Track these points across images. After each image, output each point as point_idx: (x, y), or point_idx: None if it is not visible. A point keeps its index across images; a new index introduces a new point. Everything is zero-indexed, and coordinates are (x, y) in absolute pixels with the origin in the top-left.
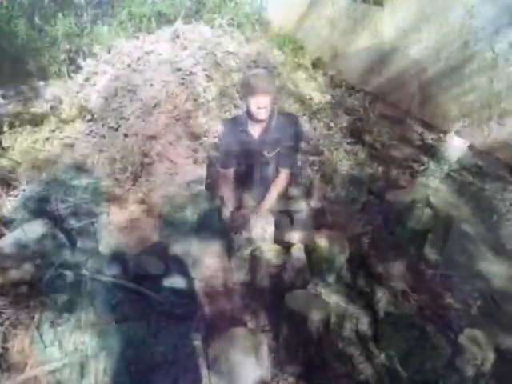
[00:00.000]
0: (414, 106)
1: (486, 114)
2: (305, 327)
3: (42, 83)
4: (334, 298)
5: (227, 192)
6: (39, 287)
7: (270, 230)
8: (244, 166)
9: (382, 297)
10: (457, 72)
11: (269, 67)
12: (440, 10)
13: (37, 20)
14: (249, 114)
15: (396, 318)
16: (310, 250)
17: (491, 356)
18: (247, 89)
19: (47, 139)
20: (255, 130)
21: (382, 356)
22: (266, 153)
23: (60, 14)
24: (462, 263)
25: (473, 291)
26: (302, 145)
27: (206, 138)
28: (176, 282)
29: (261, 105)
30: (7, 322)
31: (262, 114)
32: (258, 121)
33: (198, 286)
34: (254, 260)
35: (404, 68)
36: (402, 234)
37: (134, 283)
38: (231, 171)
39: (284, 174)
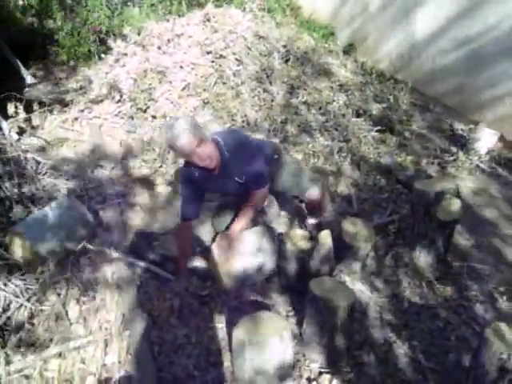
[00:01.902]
0: (445, 94)
1: None
2: (329, 314)
3: (72, 63)
4: (358, 286)
5: (184, 245)
6: (66, 265)
7: (252, 239)
8: (223, 198)
9: (407, 286)
10: (489, 59)
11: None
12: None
13: (68, 0)
14: (195, 165)
15: (421, 309)
16: (336, 236)
17: None
18: (177, 154)
19: (76, 119)
20: (215, 169)
21: (406, 346)
22: (237, 179)
23: None
24: (489, 255)
25: (499, 284)
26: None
27: (234, 122)
28: (200, 263)
29: (203, 156)
30: (34, 298)
31: (211, 164)
32: (209, 169)
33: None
34: (281, 245)
35: (436, 57)
36: (429, 224)
37: (158, 264)
38: (190, 224)
39: (254, 195)
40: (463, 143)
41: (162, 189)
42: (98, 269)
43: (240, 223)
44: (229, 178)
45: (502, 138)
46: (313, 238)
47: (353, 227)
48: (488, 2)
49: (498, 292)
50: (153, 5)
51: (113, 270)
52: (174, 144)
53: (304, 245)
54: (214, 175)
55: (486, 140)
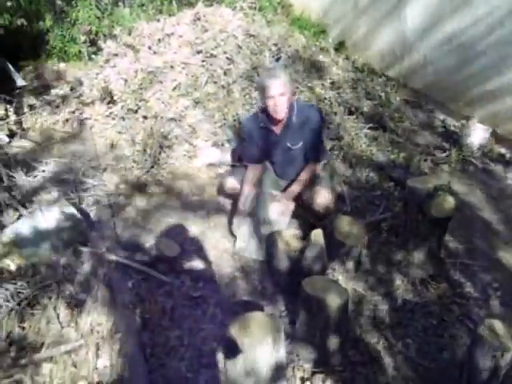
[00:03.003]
0: (436, 91)
1: (511, 99)
2: (322, 313)
3: (62, 64)
4: (352, 285)
5: (247, 188)
6: (57, 268)
7: (286, 219)
8: (270, 158)
9: (400, 284)
10: (480, 55)
11: (283, 63)
12: None
13: (58, 1)
14: (267, 114)
15: (414, 306)
16: (329, 235)
17: (511, 348)
18: (262, 90)
19: (67, 120)
20: (276, 127)
21: (400, 344)
22: (289, 145)
23: None
24: (482, 252)
25: (493, 281)
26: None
27: (225, 121)
28: (192, 264)
29: (277, 105)
30: (25, 302)
31: (280, 114)
32: (276, 120)
33: (214, 268)
34: (272, 244)
35: (426, 53)
36: (422, 221)
37: (150, 265)
38: (258, 167)
39: (311, 165)
40: (455, 139)
41: (153, 190)
42: (90, 271)
43: (295, 187)
44: (284, 142)
45: (494, 134)
46: (305, 237)
47: (345, 225)
48: (478, 4)
49: (491, 289)
50: (143, 5)
51: (104, 272)
52: (264, 82)
53: (296, 244)
54: (274, 134)
55: (478, 135)
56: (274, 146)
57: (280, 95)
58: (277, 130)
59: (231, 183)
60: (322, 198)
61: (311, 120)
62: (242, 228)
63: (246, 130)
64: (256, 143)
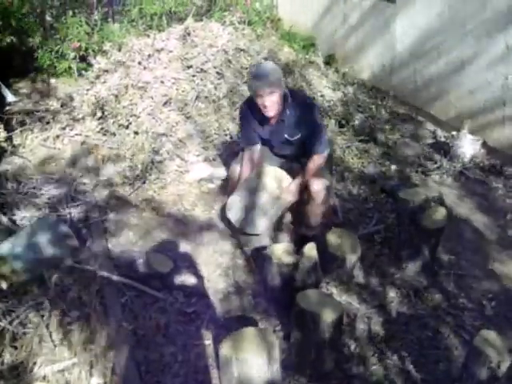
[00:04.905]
0: (426, 103)
1: (500, 111)
2: (316, 327)
3: (52, 81)
4: (345, 298)
5: (245, 170)
6: (49, 286)
7: (264, 222)
8: (269, 147)
9: (394, 297)
10: (469, 67)
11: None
12: (452, 3)
13: (48, 17)
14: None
15: (409, 319)
16: (322, 248)
17: (507, 359)
18: (252, 91)
19: (57, 137)
20: (271, 119)
21: (395, 357)
22: (287, 137)
23: (71, 12)
24: (475, 263)
25: (487, 291)
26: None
27: (216, 136)
28: (185, 280)
29: (267, 104)
30: (16, 321)
31: (269, 113)
32: (269, 117)
33: (207, 284)
34: (265, 259)
35: (416, 65)
36: (415, 233)
37: (143, 281)
38: (257, 148)
39: (314, 158)
40: (446, 150)
41: (145, 206)
42: (82, 288)
43: (295, 183)
44: (281, 134)
45: (484, 145)
46: (298, 251)
47: (338, 238)
48: (465, 9)
49: (485, 299)
50: (133, 20)
51: (97, 289)
52: (252, 82)
53: (289, 258)
54: (269, 124)
55: (469, 147)
56: (271, 138)
57: (269, 94)
58: (272, 121)
59: (234, 168)
60: (315, 184)
61: (307, 113)
62: (236, 202)
63: (242, 115)
64: (252, 127)
